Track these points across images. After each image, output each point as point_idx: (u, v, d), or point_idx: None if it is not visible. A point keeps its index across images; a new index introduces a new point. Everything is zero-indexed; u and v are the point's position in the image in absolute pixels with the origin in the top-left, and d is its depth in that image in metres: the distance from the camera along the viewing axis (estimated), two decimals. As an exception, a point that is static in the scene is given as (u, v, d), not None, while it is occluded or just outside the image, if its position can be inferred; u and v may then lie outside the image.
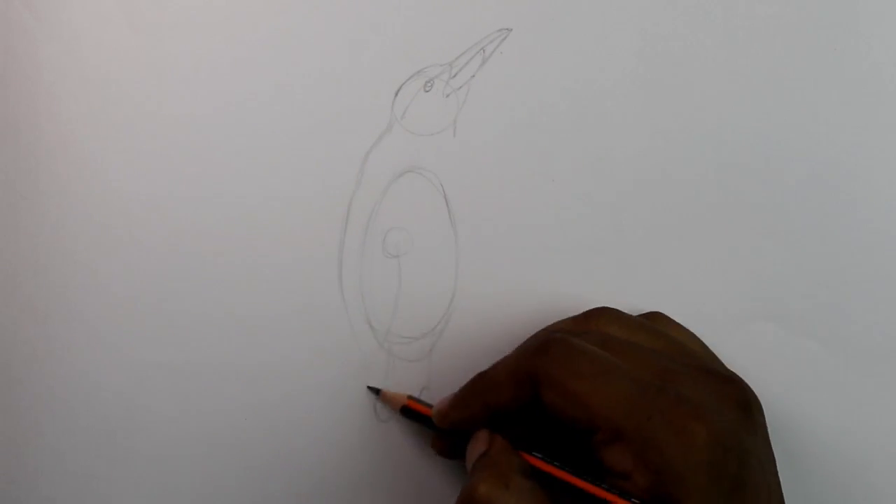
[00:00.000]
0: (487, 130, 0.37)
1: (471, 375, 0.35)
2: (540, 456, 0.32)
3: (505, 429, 0.33)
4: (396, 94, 0.36)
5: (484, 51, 0.36)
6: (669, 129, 0.37)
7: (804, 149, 0.36)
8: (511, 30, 0.36)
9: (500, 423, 0.33)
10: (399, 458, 0.38)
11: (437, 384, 0.38)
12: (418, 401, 0.36)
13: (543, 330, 0.35)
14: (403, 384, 0.38)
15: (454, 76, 0.36)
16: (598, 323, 0.34)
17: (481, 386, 0.33)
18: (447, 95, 0.36)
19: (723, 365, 0.34)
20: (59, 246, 0.36)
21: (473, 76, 0.36)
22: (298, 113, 0.36)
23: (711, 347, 0.36)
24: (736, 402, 0.31)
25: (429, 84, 0.36)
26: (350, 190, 0.37)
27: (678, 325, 0.36)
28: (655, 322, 0.35)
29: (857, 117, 0.36)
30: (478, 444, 0.33)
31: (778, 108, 0.36)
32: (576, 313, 0.35)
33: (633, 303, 0.37)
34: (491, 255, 0.37)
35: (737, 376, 0.32)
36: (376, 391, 0.37)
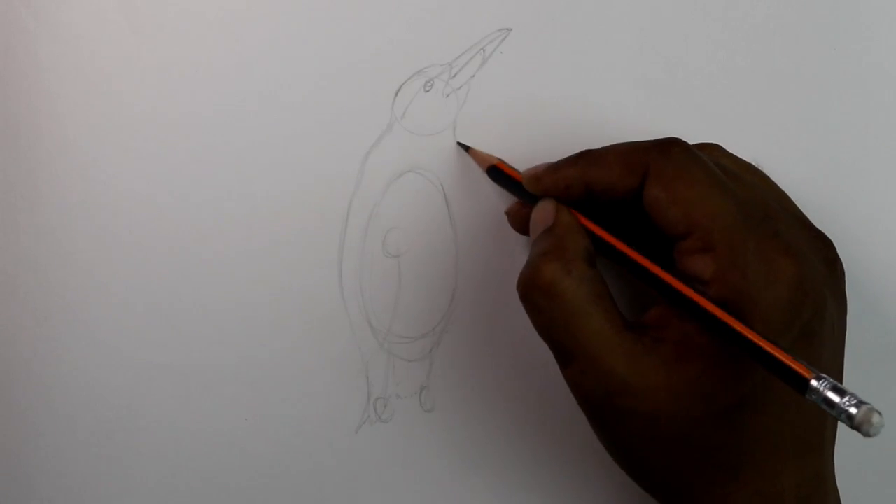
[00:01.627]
0: (487, 130, 0.37)
1: (472, 375, 0.35)
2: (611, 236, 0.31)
3: (589, 211, 0.32)
4: (396, 94, 0.36)
5: (484, 51, 0.36)
6: (669, 129, 0.37)
7: (804, 148, 0.36)
8: (511, 30, 0.36)
9: (587, 203, 0.32)
10: (399, 458, 0.38)
11: (436, 384, 0.38)
12: (508, 165, 0.35)
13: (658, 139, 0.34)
14: (403, 384, 0.38)
15: (454, 76, 0.36)
16: (713, 151, 0.34)
17: (587, 159, 0.32)
18: (447, 95, 0.36)
19: (813, 224, 0.34)
20: (58, 246, 0.36)
21: (473, 76, 0.36)
22: (298, 113, 0.36)
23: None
24: (825, 258, 0.32)
25: (429, 84, 0.36)
26: (350, 190, 0.37)
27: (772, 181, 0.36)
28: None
29: (857, 117, 0.36)
30: (544, 215, 0.32)
31: (777, 108, 0.36)
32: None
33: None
34: (491, 255, 0.37)
35: (826, 236, 0.33)
36: (466, 147, 0.36)
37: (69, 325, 0.37)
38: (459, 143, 0.36)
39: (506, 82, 0.36)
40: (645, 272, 0.30)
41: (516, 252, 0.37)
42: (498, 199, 0.37)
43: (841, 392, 0.26)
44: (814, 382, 0.26)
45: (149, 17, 0.35)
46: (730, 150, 0.35)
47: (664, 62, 0.36)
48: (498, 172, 0.35)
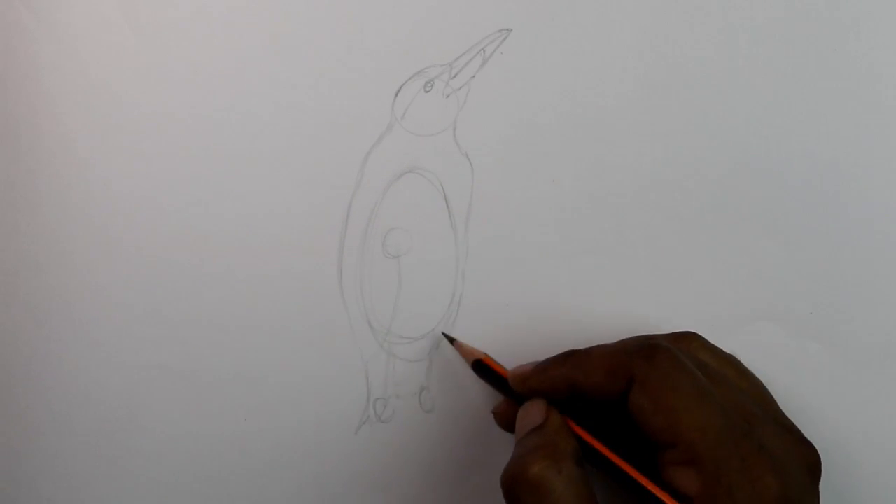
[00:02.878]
0: (487, 131, 0.37)
1: (471, 375, 0.35)
2: (599, 443, 0.32)
3: (574, 409, 0.32)
4: (396, 95, 0.36)
5: (484, 51, 0.36)
6: (670, 129, 0.37)
7: (804, 149, 0.36)
8: (511, 30, 0.36)
9: (573, 406, 0.32)
10: (399, 458, 0.38)
11: (436, 385, 0.38)
12: (495, 361, 0.35)
13: (644, 336, 0.34)
14: (403, 384, 0.38)
15: (454, 77, 0.36)
16: (691, 346, 0.34)
17: (572, 363, 0.32)
18: (447, 96, 0.36)
19: (792, 423, 0.34)
20: (58, 247, 0.36)
21: (473, 77, 0.36)
22: (298, 113, 0.36)
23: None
24: (808, 466, 0.31)
25: (429, 84, 0.36)
26: (350, 190, 0.37)
27: (750, 371, 0.36)
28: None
29: (857, 117, 0.36)
30: (532, 415, 0.32)
31: (778, 109, 0.36)
32: (575, 312, 0.35)
33: (634, 302, 0.37)
34: (491, 255, 0.37)
35: (806, 438, 0.32)
36: (451, 339, 0.37)
37: (69, 326, 0.37)
38: (444, 335, 0.37)
39: (506, 83, 0.36)
40: (632, 482, 0.30)
41: (516, 252, 0.37)
42: (498, 199, 0.37)
43: None
44: None
45: (149, 18, 0.35)
46: (707, 340, 0.35)
47: (664, 62, 0.36)
48: (483, 367, 0.35)
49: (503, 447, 0.38)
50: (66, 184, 0.36)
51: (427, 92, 0.36)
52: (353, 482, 0.38)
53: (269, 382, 0.37)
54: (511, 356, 0.37)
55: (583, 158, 0.37)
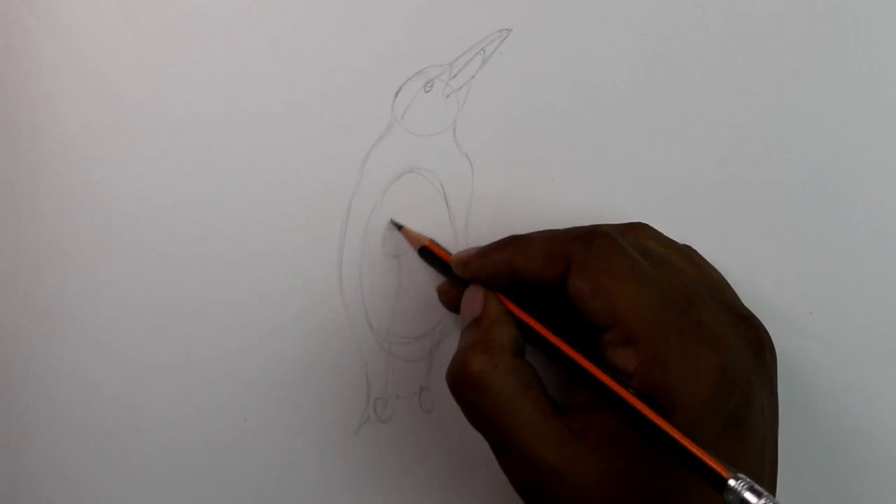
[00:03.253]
0: (487, 131, 0.37)
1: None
2: (544, 325, 0.32)
3: (516, 294, 0.32)
4: (396, 95, 0.36)
5: (484, 51, 0.36)
6: (669, 129, 0.37)
7: (804, 149, 0.36)
8: (511, 30, 0.36)
9: (515, 289, 0.32)
10: (399, 458, 0.38)
11: (436, 384, 0.38)
12: (439, 246, 0.35)
13: (585, 226, 0.34)
14: (403, 384, 0.38)
15: (454, 77, 0.36)
16: (639, 235, 0.34)
17: (513, 248, 0.32)
18: (447, 96, 0.36)
19: (744, 306, 0.34)
20: (58, 246, 0.36)
21: (473, 77, 0.36)
22: (298, 113, 0.36)
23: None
24: (751, 343, 0.31)
25: (429, 84, 0.36)
26: (350, 190, 0.37)
27: (708, 262, 0.36)
28: (689, 251, 0.35)
29: (857, 117, 0.36)
30: (472, 303, 0.33)
31: (778, 109, 0.36)
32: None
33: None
34: (491, 256, 0.37)
35: (756, 319, 0.33)
36: (399, 226, 0.37)
37: (69, 325, 0.37)
38: (392, 222, 0.37)
39: (506, 83, 0.36)
40: (571, 362, 0.31)
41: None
42: (498, 199, 0.37)
43: (758, 493, 0.26)
44: (731, 482, 0.26)
45: (149, 18, 0.35)
46: (659, 230, 0.35)
47: (664, 62, 0.36)
48: (428, 253, 0.35)
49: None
50: (66, 184, 0.36)
51: (427, 92, 0.36)
52: (353, 482, 0.38)
53: (269, 382, 0.37)
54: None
55: (583, 158, 0.37)
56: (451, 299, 0.35)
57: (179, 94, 0.36)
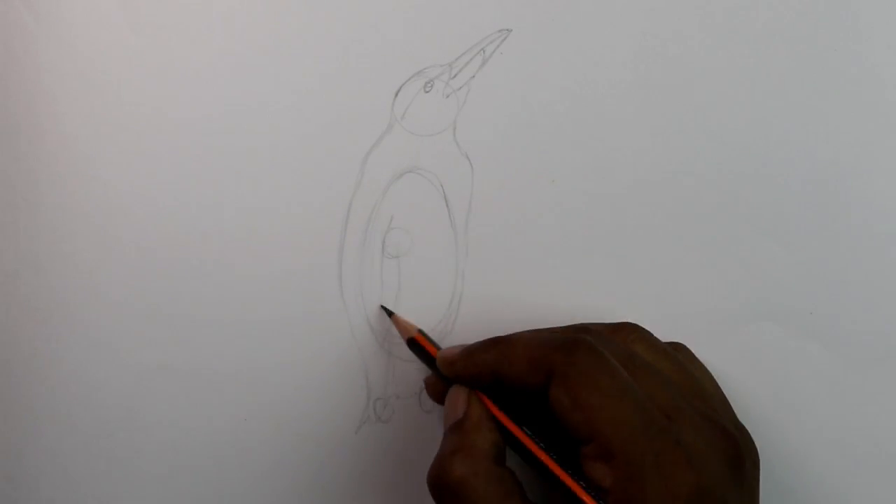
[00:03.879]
0: (487, 131, 0.37)
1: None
2: (525, 431, 0.32)
3: (500, 399, 0.32)
4: (396, 95, 0.36)
5: (484, 51, 0.36)
6: (669, 128, 0.37)
7: (804, 148, 0.36)
8: (511, 30, 0.36)
9: (500, 391, 0.32)
10: (399, 458, 0.38)
11: (437, 384, 0.38)
12: (428, 338, 0.36)
13: (574, 326, 0.35)
14: (403, 384, 0.38)
15: (454, 77, 0.36)
16: (627, 338, 0.34)
17: (496, 353, 0.32)
18: (447, 96, 0.36)
19: (731, 412, 0.34)
20: (59, 247, 0.36)
21: (473, 77, 0.36)
22: (298, 114, 0.36)
23: (711, 348, 0.36)
24: (728, 458, 0.31)
25: (429, 85, 0.36)
26: (350, 190, 0.37)
27: (700, 363, 0.36)
28: (678, 353, 0.35)
29: (857, 117, 0.36)
30: (456, 405, 0.33)
31: (778, 108, 0.36)
32: (575, 311, 0.35)
33: (633, 303, 0.37)
34: (491, 256, 0.37)
35: (738, 431, 0.33)
36: (389, 312, 0.37)
37: (69, 326, 0.37)
38: (383, 308, 0.37)
39: (506, 83, 0.36)
40: (549, 474, 0.31)
41: (516, 252, 0.37)
42: (498, 200, 0.37)
43: None
44: None
45: (149, 18, 0.35)
46: (649, 332, 0.35)
47: (664, 62, 0.36)
48: (416, 345, 0.35)
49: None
50: (67, 183, 0.36)
51: (427, 92, 0.36)
52: (353, 482, 0.38)
53: (270, 382, 0.37)
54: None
55: (582, 158, 0.37)
56: (437, 393, 0.35)
57: (179, 94, 0.36)
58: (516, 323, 0.36)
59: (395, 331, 0.37)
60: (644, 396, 0.30)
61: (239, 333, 0.37)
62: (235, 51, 0.36)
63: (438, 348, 0.35)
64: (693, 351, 0.36)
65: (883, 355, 0.37)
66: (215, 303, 0.37)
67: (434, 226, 0.37)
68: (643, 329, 0.35)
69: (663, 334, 0.35)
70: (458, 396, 0.33)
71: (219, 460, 0.38)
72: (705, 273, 0.37)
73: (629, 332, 0.34)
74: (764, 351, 0.37)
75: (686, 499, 0.29)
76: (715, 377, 0.36)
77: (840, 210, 0.36)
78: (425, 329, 0.36)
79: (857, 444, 0.37)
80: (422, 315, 0.37)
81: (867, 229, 0.36)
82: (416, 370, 0.38)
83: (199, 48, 0.36)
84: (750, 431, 0.33)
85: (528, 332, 0.33)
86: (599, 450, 0.30)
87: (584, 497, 0.30)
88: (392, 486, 0.38)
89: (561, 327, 0.35)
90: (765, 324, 0.36)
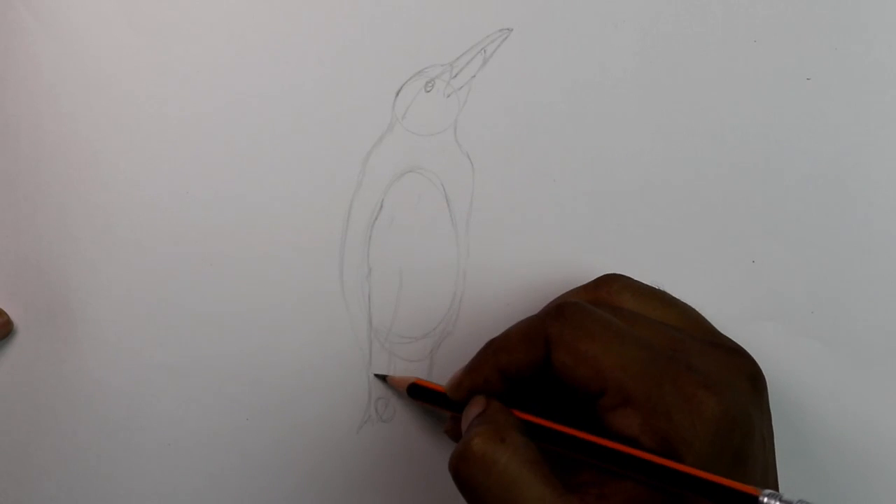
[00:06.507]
0: (488, 130, 0.37)
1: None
2: (537, 417, 0.32)
3: (516, 399, 0.32)
4: (397, 95, 0.36)
5: (485, 51, 0.36)
6: (670, 128, 0.37)
7: (804, 148, 0.36)
8: (511, 30, 0.36)
9: (512, 393, 0.32)
10: (399, 458, 0.38)
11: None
12: (426, 381, 0.36)
13: (555, 299, 0.35)
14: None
15: (455, 76, 0.36)
16: (610, 292, 0.34)
17: (493, 350, 0.32)
18: (448, 96, 0.36)
19: (727, 338, 0.34)
20: (60, 246, 0.36)
21: (474, 76, 0.36)
22: (299, 113, 0.36)
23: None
24: (745, 375, 0.31)
25: (430, 84, 0.36)
26: (351, 190, 0.37)
27: (680, 301, 0.36)
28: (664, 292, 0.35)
29: (857, 117, 0.36)
30: (474, 408, 0.32)
31: (778, 108, 0.36)
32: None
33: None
34: (492, 255, 0.37)
35: (742, 349, 0.32)
36: (383, 377, 0.37)
37: (71, 325, 0.37)
38: (376, 375, 0.37)
39: (507, 82, 0.36)
40: (580, 443, 0.30)
41: (517, 252, 0.37)
42: (499, 199, 0.37)
43: (788, 502, 0.27)
44: (763, 499, 0.27)
45: (150, 18, 0.35)
46: (631, 278, 0.34)
47: (664, 62, 0.36)
48: (418, 389, 0.35)
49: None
50: (68, 184, 0.36)
51: (428, 91, 0.36)
52: (354, 481, 0.38)
53: (271, 382, 0.37)
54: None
55: (583, 158, 0.37)
56: (458, 434, 0.34)
57: (180, 95, 0.36)
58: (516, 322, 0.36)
59: (396, 329, 0.37)
60: (641, 335, 0.30)
61: (240, 333, 0.37)
62: (236, 51, 0.36)
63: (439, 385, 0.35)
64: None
65: (884, 354, 0.37)
66: (216, 302, 0.37)
67: (435, 225, 0.37)
68: (624, 277, 0.34)
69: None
70: (475, 402, 0.33)
71: (220, 460, 0.38)
72: (706, 273, 0.37)
73: (611, 284, 0.34)
74: (765, 350, 0.37)
75: (713, 418, 0.29)
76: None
77: (841, 209, 0.36)
78: (425, 328, 0.37)
79: (857, 444, 0.37)
80: (422, 315, 0.37)
81: (869, 228, 0.36)
82: (417, 369, 0.38)
83: (200, 48, 0.36)
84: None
85: (515, 324, 0.33)
86: (615, 397, 0.29)
87: (622, 448, 0.29)
88: (393, 485, 0.38)
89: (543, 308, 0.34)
90: (766, 323, 0.36)
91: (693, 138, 0.37)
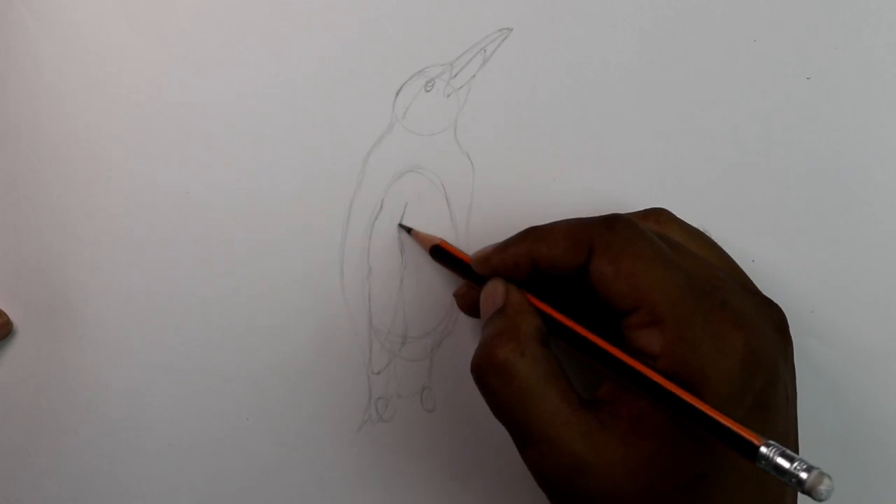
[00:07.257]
0: (488, 130, 0.37)
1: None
2: (558, 311, 0.31)
3: (533, 289, 0.32)
4: (397, 94, 0.36)
5: (485, 51, 0.36)
6: (669, 128, 0.37)
7: (804, 147, 0.36)
8: (511, 29, 0.36)
9: (533, 282, 0.32)
10: (398, 458, 0.38)
11: (438, 384, 0.38)
12: (451, 245, 0.35)
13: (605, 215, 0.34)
14: (405, 383, 0.38)
15: (455, 76, 0.36)
16: (659, 221, 0.34)
17: (533, 237, 0.32)
18: (448, 95, 0.36)
19: (757, 289, 0.34)
20: (60, 246, 0.36)
21: (474, 76, 0.36)
22: (299, 113, 0.36)
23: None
24: (775, 324, 0.31)
25: (430, 84, 0.36)
26: (351, 189, 0.37)
27: (722, 248, 0.35)
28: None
29: (857, 116, 0.36)
30: (494, 296, 0.32)
31: (778, 108, 0.36)
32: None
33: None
34: (492, 255, 0.37)
35: (775, 303, 0.32)
36: (408, 229, 0.37)
37: (71, 326, 0.37)
38: (401, 225, 0.37)
39: (507, 82, 0.36)
40: (595, 349, 0.30)
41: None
42: (499, 199, 0.37)
43: (790, 458, 0.25)
44: (763, 449, 0.26)
45: (150, 18, 0.35)
46: (679, 216, 0.34)
47: (664, 62, 0.36)
48: (442, 252, 0.35)
49: (504, 447, 0.38)
50: (68, 184, 0.36)
51: (428, 91, 0.36)
52: (354, 481, 0.38)
53: (271, 382, 0.37)
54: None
55: (583, 158, 0.37)
56: (468, 302, 0.35)
57: (180, 94, 0.36)
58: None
59: (397, 328, 0.37)
60: (685, 265, 0.30)
61: (241, 333, 0.37)
62: (236, 51, 0.36)
63: (465, 253, 0.34)
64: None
65: (884, 354, 0.37)
66: (217, 302, 0.37)
67: (435, 225, 0.37)
68: (671, 213, 0.34)
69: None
70: (495, 288, 0.32)
71: (221, 460, 0.38)
72: (706, 272, 0.37)
73: (659, 215, 0.34)
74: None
75: (738, 356, 0.29)
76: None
77: (841, 209, 0.36)
78: (425, 328, 0.37)
79: (857, 443, 0.37)
80: (423, 314, 0.37)
81: (869, 228, 0.36)
82: (417, 369, 0.38)
83: (200, 48, 0.36)
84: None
85: (561, 220, 0.32)
86: (646, 316, 0.29)
87: (637, 364, 0.29)
88: (393, 485, 0.38)
89: (593, 216, 0.33)
90: (765, 323, 0.36)
91: (692, 138, 0.37)
